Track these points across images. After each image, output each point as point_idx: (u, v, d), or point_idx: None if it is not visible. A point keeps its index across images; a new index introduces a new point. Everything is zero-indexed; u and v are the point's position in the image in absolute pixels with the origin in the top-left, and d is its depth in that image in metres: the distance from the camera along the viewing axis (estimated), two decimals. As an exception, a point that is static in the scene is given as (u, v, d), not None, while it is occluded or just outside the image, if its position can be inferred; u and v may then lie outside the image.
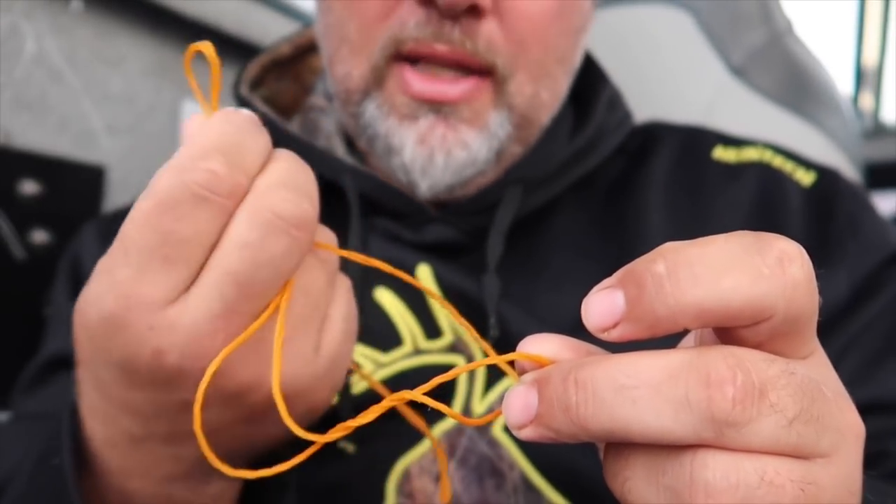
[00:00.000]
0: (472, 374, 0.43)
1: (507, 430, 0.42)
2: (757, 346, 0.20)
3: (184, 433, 0.29)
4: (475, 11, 0.42)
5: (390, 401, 0.23)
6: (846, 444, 0.21)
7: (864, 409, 0.42)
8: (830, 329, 0.44)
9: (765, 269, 0.19)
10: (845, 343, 0.43)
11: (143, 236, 0.25)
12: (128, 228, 0.26)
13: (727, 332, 0.21)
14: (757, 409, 0.18)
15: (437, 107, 0.44)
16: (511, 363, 0.23)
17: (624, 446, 0.21)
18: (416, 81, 0.43)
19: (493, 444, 0.41)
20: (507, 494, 0.40)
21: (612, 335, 0.20)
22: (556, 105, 0.49)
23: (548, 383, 0.21)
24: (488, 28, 0.43)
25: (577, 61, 0.49)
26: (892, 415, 0.41)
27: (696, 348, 0.19)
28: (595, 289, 0.21)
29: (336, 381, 0.32)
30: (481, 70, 0.44)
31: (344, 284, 0.32)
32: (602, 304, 0.20)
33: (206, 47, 0.27)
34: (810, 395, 0.19)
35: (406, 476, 0.41)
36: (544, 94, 0.46)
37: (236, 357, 0.27)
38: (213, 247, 0.26)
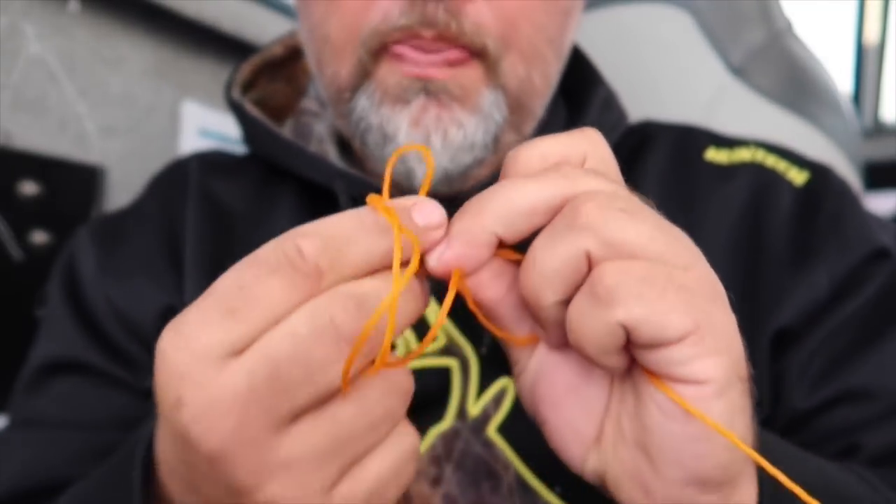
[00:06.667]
0: (466, 377, 0.43)
1: (501, 431, 0.41)
2: None
3: (194, 485, 0.28)
4: None
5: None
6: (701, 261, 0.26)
7: (836, 401, 0.42)
8: (810, 324, 0.44)
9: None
10: (822, 338, 0.43)
11: (223, 282, 0.25)
12: (220, 276, 0.26)
13: None
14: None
15: (426, 84, 0.43)
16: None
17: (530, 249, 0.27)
18: (409, 55, 0.43)
19: (488, 444, 0.41)
20: (503, 497, 0.40)
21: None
22: (548, 93, 0.49)
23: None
24: (475, 8, 0.42)
25: (566, 47, 0.49)
26: (862, 404, 0.41)
27: None
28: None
29: None
30: (471, 53, 0.43)
31: (406, 442, 0.28)
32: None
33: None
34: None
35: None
36: (536, 78, 0.46)
37: (241, 450, 0.25)
38: (273, 324, 0.25)
